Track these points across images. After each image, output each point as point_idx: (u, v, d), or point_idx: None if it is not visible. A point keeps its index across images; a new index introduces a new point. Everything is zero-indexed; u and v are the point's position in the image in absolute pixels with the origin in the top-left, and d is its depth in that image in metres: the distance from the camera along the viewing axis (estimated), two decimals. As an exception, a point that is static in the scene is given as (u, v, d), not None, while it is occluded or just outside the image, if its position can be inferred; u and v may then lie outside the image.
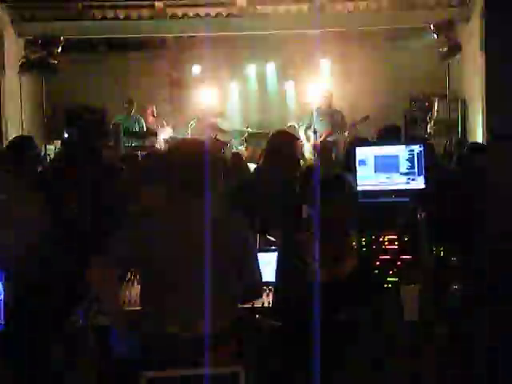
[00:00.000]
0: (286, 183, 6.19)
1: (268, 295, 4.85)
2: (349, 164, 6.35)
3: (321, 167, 8.18)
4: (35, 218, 6.06)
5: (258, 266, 4.16)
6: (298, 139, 6.97)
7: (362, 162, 5.62)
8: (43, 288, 5.71)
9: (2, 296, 5.05)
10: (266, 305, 4.80)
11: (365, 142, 6.76)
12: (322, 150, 12.63)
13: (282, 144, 6.41)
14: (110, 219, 5.86)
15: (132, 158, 7.65)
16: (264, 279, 4.33)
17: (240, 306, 4.32)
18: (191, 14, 14.22)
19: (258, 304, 4.80)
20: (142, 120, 14.47)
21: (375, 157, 5.61)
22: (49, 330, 5.61)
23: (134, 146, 13.43)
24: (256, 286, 4.20)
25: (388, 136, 8.23)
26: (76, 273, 4.45)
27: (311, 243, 4.04)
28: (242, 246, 4.05)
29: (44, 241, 6.02)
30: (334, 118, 13.29)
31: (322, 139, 12.93)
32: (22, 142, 7.01)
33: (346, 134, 13.22)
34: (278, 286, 4.26)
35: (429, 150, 7.17)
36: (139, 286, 4.32)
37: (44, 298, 5.68)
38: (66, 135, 11.60)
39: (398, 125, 10.11)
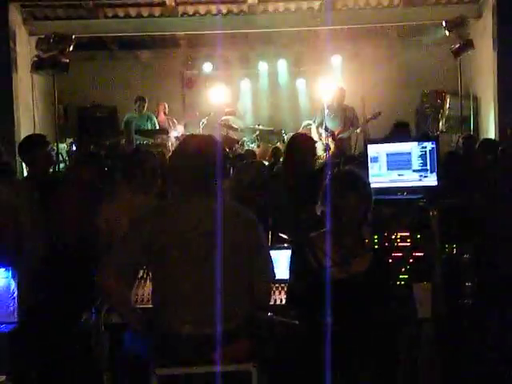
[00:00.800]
0: (301, 182, 6.21)
1: (281, 293, 4.85)
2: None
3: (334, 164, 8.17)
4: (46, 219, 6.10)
5: (270, 268, 4.13)
6: (315, 141, 7.01)
7: (375, 160, 5.62)
8: (56, 285, 5.72)
9: (16, 294, 5.08)
10: (278, 302, 4.81)
11: (377, 139, 6.74)
12: (336, 147, 12.64)
13: (299, 146, 6.48)
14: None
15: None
16: (277, 277, 4.33)
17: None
18: (202, 12, 14.22)
19: (271, 302, 4.80)
20: (154, 118, 14.47)
21: (387, 154, 5.61)
22: (62, 327, 5.63)
23: (146, 144, 13.43)
24: (265, 290, 4.17)
25: (397, 132, 8.23)
26: (90, 271, 4.44)
27: (324, 241, 4.03)
28: (252, 245, 4.03)
29: (57, 241, 6.06)
30: (346, 114, 13.25)
31: (334, 136, 12.90)
32: (34, 141, 7.00)
33: (359, 130, 13.17)
34: (291, 284, 4.25)
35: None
36: (151, 284, 4.32)
37: (57, 296, 5.70)
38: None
39: (409, 122, 10.10)
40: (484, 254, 5.57)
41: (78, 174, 6.79)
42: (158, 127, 14.40)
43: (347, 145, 12.96)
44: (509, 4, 12.08)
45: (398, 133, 8.32)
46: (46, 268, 5.68)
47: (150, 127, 14.23)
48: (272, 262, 4.15)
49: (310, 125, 13.91)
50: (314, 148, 6.88)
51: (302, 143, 6.60)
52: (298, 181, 6.24)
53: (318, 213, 4.11)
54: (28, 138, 7.30)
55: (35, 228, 5.76)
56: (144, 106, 14.30)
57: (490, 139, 10.64)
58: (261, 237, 4.14)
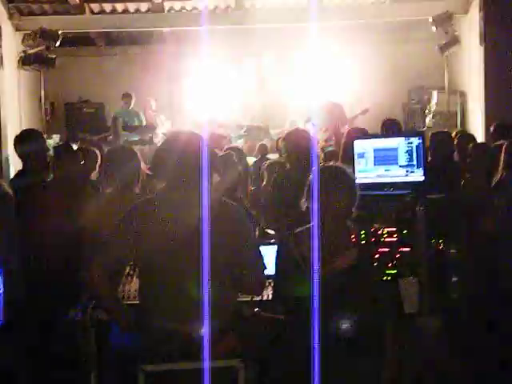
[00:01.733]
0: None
1: (267, 288, 4.85)
2: (346, 156, 6.37)
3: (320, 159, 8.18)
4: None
5: (260, 261, 4.14)
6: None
7: (361, 155, 5.62)
8: (42, 284, 5.71)
9: (2, 292, 5.05)
10: (265, 298, 4.81)
11: (363, 135, 6.74)
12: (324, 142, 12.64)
13: (299, 142, 6.49)
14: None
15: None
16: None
17: (239, 299, 4.32)
18: (189, 8, 14.21)
19: (257, 297, 4.81)
20: (142, 114, 14.46)
21: (374, 149, 5.62)
22: (48, 325, 5.62)
23: (133, 141, 13.41)
24: (256, 282, 4.18)
25: (389, 130, 8.23)
26: (75, 269, 4.44)
27: (309, 236, 4.03)
28: (240, 240, 4.03)
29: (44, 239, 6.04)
30: (333, 110, 13.25)
31: (321, 131, 12.89)
32: (27, 136, 6.96)
33: (346, 126, 13.18)
34: (277, 279, 4.25)
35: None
36: (138, 281, 4.32)
37: (43, 294, 5.68)
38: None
39: (396, 117, 10.10)
40: (470, 249, 5.59)
41: (55, 171, 6.76)
42: (145, 123, 14.39)
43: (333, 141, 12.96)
44: (495, 0, 12.11)
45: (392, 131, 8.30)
46: (32, 266, 5.67)
47: (137, 123, 14.22)
48: (261, 254, 4.15)
49: (296, 122, 13.96)
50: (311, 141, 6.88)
51: (301, 136, 6.63)
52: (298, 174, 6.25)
53: (303, 208, 4.11)
54: (22, 132, 7.27)
55: (19, 227, 5.73)
56: (131, 102, 14.30)
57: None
58: (250, 230, 4.14)
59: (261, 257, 4.13)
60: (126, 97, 14.28)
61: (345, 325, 3.88)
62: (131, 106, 14.30)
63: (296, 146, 6.55)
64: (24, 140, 6.77)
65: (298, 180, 6.16)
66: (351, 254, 4.05)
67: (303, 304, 3.90)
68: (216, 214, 3.88)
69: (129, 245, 3.91)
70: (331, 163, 4.40)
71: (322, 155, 10.02)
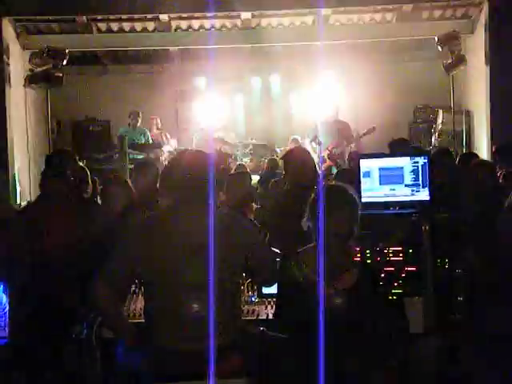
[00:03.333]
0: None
1: (272, 307, 4.85)
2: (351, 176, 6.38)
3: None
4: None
5: (271, 254, 4.25)
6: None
7: (367, 174, 5.62)
8: (48, 300, 5.71)
9: (8, 309, 5.05)
10: (270, 317, 4.81)
11: (369, 154, 6.76)
12: (329, 161, 12.65)
13: (297, 160, 6.52)
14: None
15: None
16: (268, 291, 4.34)
17: (244, 318, 4.33)
18: (196, 27, 14.26)
19: (262, 316, 4.80)
20: (148, 132, 14.47)
21: (380, 169, 5.61)
22: (54, 342, 5.61)
23: (140, 159, 13.43)
24: (268, 274, 4.29)
25: (398, 149, 8.24)
26: (81, 286, 4.44)
27: (311, 256, 4.03)
28: (250, 247, 4.08)
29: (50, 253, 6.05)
30: (339, 129, 13.28)
31: (327, 151, 12.91)
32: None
33: (353, 145, 13.20)
34: (279, 298, 4.26)
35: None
36: (143, 299, 4.32)
37: (49, 310, 5.68)
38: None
39: (403, 136, 10.14)
40: (475, 269, 5.58)
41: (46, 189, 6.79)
42: (151, 142, 14.40)
43: (341, 160, 12.97)
44: (501, 19, 12.14)
45: (400, 149, 8.30)
46: (37, 282, 5.67)
47: (143, 142, 14.23)
48: (272, 251, 4.25)
49: (297, 140, 14.01)
50: (311, 160, 6.87)
51: (298, 156, 6.64)
52: (295, 193, 6.27)
53: (305, 228, 4.11)
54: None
55: (24, 244, 5.76)
56: (138, 121, 14.30)
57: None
58: (258, 238, 4.20)
59: (271, 250, 4.22)
60: (133, 115, 14.29)
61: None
62: (138, 124, 14.30)
63: (294, 165, 6.56)
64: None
65: (296, 199, 6.21)
66: (352, 275, 4.05)
67: (305, 324, 3.90)
68: (225, 226, 3.90)
69: (134, 261, 3.92)
70: (333, 183, 4.40)
71: (332, 173, 10.05)
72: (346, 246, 4.12)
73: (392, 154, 6.64)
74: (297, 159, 6.60)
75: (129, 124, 14.31)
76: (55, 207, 6.50)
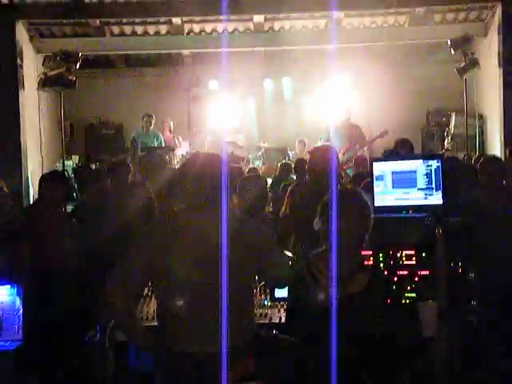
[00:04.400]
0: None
1: (285, 311, 4.85)
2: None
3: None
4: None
5: (284, 257, 4.24)
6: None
7: (380, 178, 5.61)
8: (61, 303, 5.73)
9: (21, 312, 5.08)
10: (283, 321, 4.81)
11: (382, 158, 6.74)
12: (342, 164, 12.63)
13: (317, 159, 6.49)
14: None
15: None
16: (280, 295, 4.34)
17: (257, 321, 4.33)
18: (208, 30, 14.29)
19: (274, 320, 4.81)
20: (161, 135, 14.49)
21: (393, 172, 5.60)
22: (67, 345, 5.63)
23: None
24: (282, 275, 4.27)
25: (401, 149, 8.23)
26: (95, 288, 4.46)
27: (322, 260, 4.02)
28: (263, 248, 4.07)
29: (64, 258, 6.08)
30: (352, 132, 13.26)
31: (340, 154, 12.88)
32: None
33: (365, 149, 13.18)
34: (291, 302, 4.26)
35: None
36: (156, 302, 4.32)
37: (62, 313, 5.70)
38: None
39: (415, 140, 10.13)
40: (487, 273, 5.57)
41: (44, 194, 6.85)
42: (164, 145, 14.42)
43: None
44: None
45: (402, 150, 8.30)
46: (51, 286, 5.70)
47: (156, 145, 14.26)
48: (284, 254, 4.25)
49: (302, 140, 14.07)
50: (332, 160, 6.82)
51: (321, 156, 6.59)
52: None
53: (316, 228, 4.10)
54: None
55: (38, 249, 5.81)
56: (151, 123, 14.30)
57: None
58: (271, 242, 4.18)
59: (284, 254, 4.23)
60: (146, 117, 14.30)
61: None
62: (151, 127, 14.32)
63: (313, 167, 6.53)
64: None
65: (312, 202, 6.19)
66: (362, 279, 4.04)
67: (315, 328, 3.90)
68: (237, 229, 3.90)
69: (147, 264, 3.92)
70: (348, 187, 4.38)
71: (345, 177, 10.04)
72: (358, 250, 4.11)
73: (405, 157, 6.59)
74: (317, 160, 6.56)
75: (142, 127, 14.32)
76: (54, 212, 6.56)
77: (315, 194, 6.18)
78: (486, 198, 6.38)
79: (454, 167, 7.74)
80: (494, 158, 7.56)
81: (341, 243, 3.94)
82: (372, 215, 4.05)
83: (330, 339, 3.76)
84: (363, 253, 4.36)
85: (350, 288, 3.99)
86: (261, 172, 12.30)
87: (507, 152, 8.93)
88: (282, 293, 4.39)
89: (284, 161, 13.68)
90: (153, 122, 14.32)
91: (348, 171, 11.82)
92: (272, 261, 4.17)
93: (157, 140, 14.31)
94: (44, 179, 6.99)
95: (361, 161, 11.09)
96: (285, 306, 4.80)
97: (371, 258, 5.09)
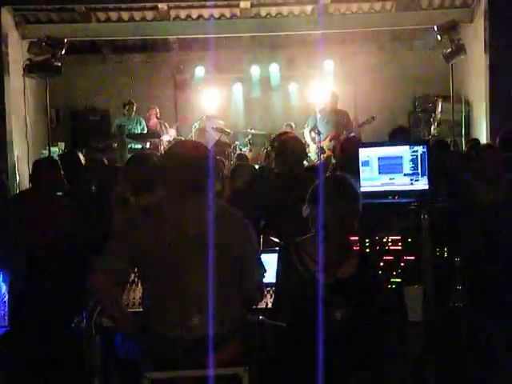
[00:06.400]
0: (290, 183, 6.23)
1: (272, 296, 4.85)
2: (349, 165, 6.38)
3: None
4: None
5: (260, 269, 4.18)
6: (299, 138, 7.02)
7: (366, 163, 5.62)
8: (47, 289, 5.72)
9: (7, 298, 5.07)
10: (269, 306, 4.81)
11: (368, 143, 6.75)
12: (328, 151, 12.64)
13: (286, 144, 6.51)
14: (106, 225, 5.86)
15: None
16: (267, 280, 4.33)
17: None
18: (194, 16, 14.24)
19: (261, 305, 4.81)
20: (143, 121, 14.48)
21: (379, 158, 5.61)
22: (53, 331, 5.62)
23: (138, 148, 13.43)
24: (254, 290, 4.22)
25: (398, 137, 8.25)
26: (82, 274, 4.45)
27: (311, 245, 4.03)
28: (243, 247, 4.05)
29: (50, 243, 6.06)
30: (339, 119, 13.25)
31: (327, 140, 12.89)
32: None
33: (352, 135, 13.17)
34: (278, 287, 4.26)
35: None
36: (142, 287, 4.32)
37: (48, 300, 5.70)
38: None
39: (403, 125, 10.16)
40: (473, 257, 5.58)
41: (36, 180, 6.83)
42: (146, 130, 14.40)
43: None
44: (500, 8, 12.13)
45: (399, 138, 8.30)
46: (36, 272, 5.69)
47: (139, 130, 14.24)
48: (262, 263, 4.18)
49: (291, 125, 14.06)
50: (304, 148, 6.90)
51: (294, 144, 6.63)
52: (289, 181, 6.28)
53: (304, 214, 4.10)
54: None
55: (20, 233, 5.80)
56: (133, 109, 14.31)
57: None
58: (251, 238, 4.15)
59: (261, 265, 4.17)
60: (128, 104, 14.32)
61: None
62: (133, 113, 14.33)
63: (282, 152, 6.56)
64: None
65: (288, 185, 6.22)
66: (351, 265, 4.05)
67: (303, 312, 3.91)
68: (219, 220, 3.89)
69: (133, 251, 3.92)
70: (337, 173, 4.38)
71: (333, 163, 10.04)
72: (347, 236, 4.12)
73: (391, 143, 6.61)
74: (287, 144, 6.60)
75: (123, 114, 14.31)
76: (49, 197, 6.53)
77: (288, 181, 6.26)
78: (480, 185, 6.37)
79: (444, 151, 7.76)
80: (492, 146, 7.56)
81: (331, 229, 3.95)
82: (361, 201, 4.06)
83: (317, 324, 3.78)
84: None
85: (339, 273, 4.01)
86: (248, 159, 12.30)
87: (498, 139, 8.91)
88: (268, 278, 4.38)
89: (270, 147, 13.71)
90: (134, 107, 14.32)
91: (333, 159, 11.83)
92: (248, 269, 4.13)
93: (139, 125, 14.31)
94: (41, 164, 6.98)
95: (347, 145, 11.03)
96: (271, 292, 4.81)
97: (357, 244, 5.11)
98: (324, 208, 3.93)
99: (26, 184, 12.51)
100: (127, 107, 14.31)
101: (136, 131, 14.15)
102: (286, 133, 7.53)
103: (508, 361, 5.38)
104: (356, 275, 4.01)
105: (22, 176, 12.59)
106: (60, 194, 6.97)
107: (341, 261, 4.04)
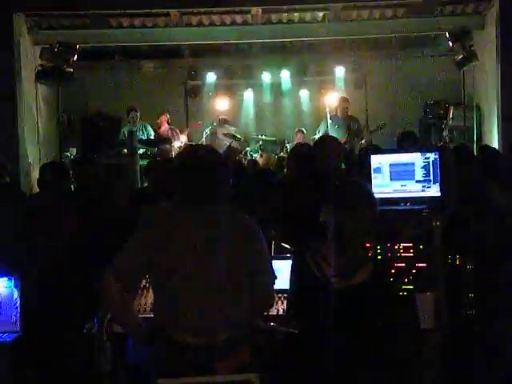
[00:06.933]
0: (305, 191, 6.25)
1: (283, 303, 4.85)
2: (361, 171, 6.38)
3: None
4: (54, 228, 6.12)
5: (271, 275, 4.18)
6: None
7: (378, 170, 5.61)
8: (59, 295, 5.72)
9: (19, 303, 5.07)
10: (280, 312, 4.81)
11: (380, 150, 6.75)
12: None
13: (303, 156, 6.56)
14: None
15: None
16: (279, 287, 4.33)
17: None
18: (206, 23, 14.24)
19: (272, 312, 4.80)
20: (149, 127, 14.43)
21: (390, 164, 5.60)
22: (65, 337, 5.62)
23: (150, 155, 13.44)
24: (267, 297, 4.23)
25: (405, 142, 8.23)
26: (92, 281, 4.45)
27: (327, 250, 4.02)
28: (254, 254, 4.05)
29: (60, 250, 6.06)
30: (350, 125, 13.25)
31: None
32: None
33: (363, 141, 13.16)
34: (292, 292, 4.25)
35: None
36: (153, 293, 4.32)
37: (60, 305, 5.69)
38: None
39: (414, 131, 10.13)
40: (485, 265, 5.55)
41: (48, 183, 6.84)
42: (152, 137, 14.37)
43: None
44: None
45: (407, 143, 8.30)
46: (49, 277, 5.69)
47: (145, 137, 14.18)
48: (273, 271, 4.17)
49: (303, 131, 14.07)
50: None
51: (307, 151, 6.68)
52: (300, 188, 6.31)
53: (321, 219, 4.10)
54: None
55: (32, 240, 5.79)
56: (137, 117, 14.26)
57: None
58: (262, 246, 4.14)
59: (272, 273, 4.17)
60: (131, 111, 14.25)
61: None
62: (137, 120, 14.29)
63: (297, 161, 6.61)
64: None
65: (304, 191, 6.23)
66: (366, 270, 4.04)
67: (317, 318, 3.90)
68: (231, 226, 3.90)
69: (144, 257, 3.92)
70: (354, 179, 4.36)
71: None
72: (363, 241, 4.11)
73: (403, 149, 6.60)
74: (301, 154, 6.64)
75: (129, 122, 14.29)
76: (57, 201, 6.52)
77: (303, 188, 6.27)
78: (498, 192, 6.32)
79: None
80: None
81: (347, 234, 3.94)
82: (377, 207, 4.05)
83: (331, 330, 3.77)
84: (363, 245, 4.36)
85: (353, 279, 4.00)
86: (259, 165, 12.31)
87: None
88: (280, 284, 4.38)
89: (281, 153, 13.72)
90: (138, 114, 14.26)
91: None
92: (260, 263, 4.13)
93: (145, 131, 14.25)
94: (47, 168, 6.99)
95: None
96: (282, 298, 4.80)
97: (369, 251, 5.09)
98: (341, 213, 3.93)
99: (37, 189, 12.54)
100: (130, 115, 14.23)
101: (142, 138, 14.08)
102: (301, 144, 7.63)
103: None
104: (370, 282, 3.99)
105: (34, 182, 12.61)
106: (69, 197, 6.97)
107: (356, 266, 4.02)
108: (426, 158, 5.55)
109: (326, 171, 6.24)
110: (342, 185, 4.16)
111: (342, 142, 12.85)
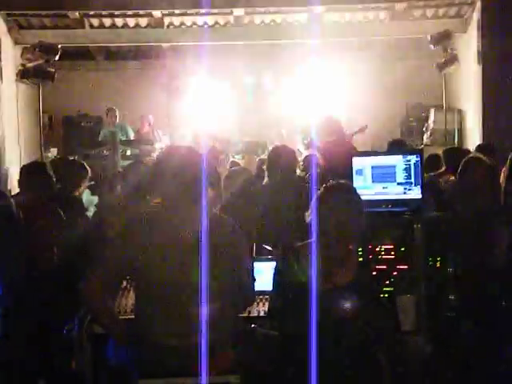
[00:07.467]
0: (287, 193, 6.28)
1: (264, 304, 4.84)
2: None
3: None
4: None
5: (251, 278, 4.19)
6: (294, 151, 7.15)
7: (359, 172, 5.62)
8: (39, 297, 5.70)
9: (-1, 305, 5.04)
10: (261, 314, 4.80)
11: (362, 152, 6.77)
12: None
13: (280, 157, 6.62)
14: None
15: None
16: (259, 288, 4.33)
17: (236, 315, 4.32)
18: (188, 23, 14.24)
19: (253, 313, 4.80)
20: (128, 127, 14.43)
21: (372, 167, 5.61)
22: (45, 338, 5.60)
23: (132, 155, 13.40)
24: (248, 298, 4.24)
25: (394, 148, 8.27)
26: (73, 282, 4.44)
27: (310, 251, 4.02)
28: (235, 256, 4.05)
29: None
30: (331, 127, 13.23)
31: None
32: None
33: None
34: (274, 294, 4.25)
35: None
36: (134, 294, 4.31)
37: (40, 307, 5.67)
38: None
39: (394, 135, 10.19)
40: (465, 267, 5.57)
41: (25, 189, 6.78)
42: (132, 137, 14.34)
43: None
44: (493, 18, 12.17)
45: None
46: (28, 280, 5.66)
47: (125, 137, 14.14)
48: (253, 275, 4.18)
49: (282, 133, 14.14)
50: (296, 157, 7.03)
51: (285, 153, 6.77)
52: (283, 188, 6.34)
53: (307, 220, 4.10)
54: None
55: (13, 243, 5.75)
56: (115, 117, 14.25)
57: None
58: (244, 248, 4.15)
59: (252, 276, 4.18)
60: (109, 112, 14.26)
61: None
62: (116, 120, 14.26)
63: (277, 159, 6.67)
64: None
65: (283, 192, 6.27)
66: (350, 271, 4.05)
67: (299, 319, 3.90)
68: (212, 227, 3.89)
69: (126, 258, 3.91)
70: (342, 181, 4.35)
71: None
72: (347, 244, 4.11)
73: (383, 152, 6.61)
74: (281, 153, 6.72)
75: (108, 123, 14.24)
76: (37, 201, 6.49)
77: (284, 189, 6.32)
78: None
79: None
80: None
81: (332, 236, 3.94)
82: (365, 209, 4.07)
83: (312, 330, 3.77)
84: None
85: (337, 280, 4.00)
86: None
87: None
88: (261, 286, 4.37)
89: (262, 156, 13.70)
90: (116, 114, 14.25)
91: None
92: (241, 265, 4.14)
93: (122, 131, 14.22)
94: (27, 168, 6.95)
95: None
96: (264, 300, 4.80)
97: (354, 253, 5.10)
98: (327, 215, 3.93)
99: (17, 190, 12.48)
100: (108, 115, 14.25)
101: (122, 138, 14.04)
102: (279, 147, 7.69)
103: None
104: (354, 283, 4.00)
105: (14, 182, 12.55)
106: (48, 198, 6.92)
107: (340, 267, 4.03)
108: (407, 161, 5.56)
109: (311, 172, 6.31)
110: (330, 187, 4.17)
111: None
